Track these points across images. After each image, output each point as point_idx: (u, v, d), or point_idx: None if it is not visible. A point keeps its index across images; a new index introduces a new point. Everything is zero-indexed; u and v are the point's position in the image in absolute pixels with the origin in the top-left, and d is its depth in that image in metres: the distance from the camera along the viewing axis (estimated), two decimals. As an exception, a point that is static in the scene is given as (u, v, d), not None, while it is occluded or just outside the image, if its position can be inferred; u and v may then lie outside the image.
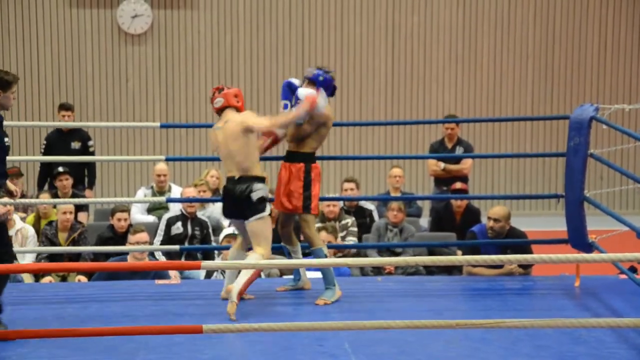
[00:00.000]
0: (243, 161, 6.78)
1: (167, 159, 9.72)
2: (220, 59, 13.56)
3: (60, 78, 13.41)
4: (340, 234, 9.20)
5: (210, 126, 7.20)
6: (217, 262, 8.49)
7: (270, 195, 7.02)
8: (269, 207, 6.81)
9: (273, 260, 6.81)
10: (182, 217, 9.33)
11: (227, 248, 8.01)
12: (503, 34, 13.92)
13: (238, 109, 6.91)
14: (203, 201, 9.72)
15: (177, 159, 13.04)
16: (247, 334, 5.99)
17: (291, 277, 7.62)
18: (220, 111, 6.92)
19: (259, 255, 6.74)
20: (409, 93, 13.90)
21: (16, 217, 9.16)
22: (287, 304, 6.97)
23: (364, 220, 9.77)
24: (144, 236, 8.24)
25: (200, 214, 9.52)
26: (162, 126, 8.26)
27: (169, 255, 8.89)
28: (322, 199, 7.88)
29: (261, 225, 6.77)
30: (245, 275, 6.63)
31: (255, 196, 6.74)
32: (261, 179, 6.80)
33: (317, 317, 6.38)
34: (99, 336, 5.84)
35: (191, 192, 9.71)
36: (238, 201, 6.78)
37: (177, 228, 9.30)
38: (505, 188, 14.04)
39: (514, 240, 8.12)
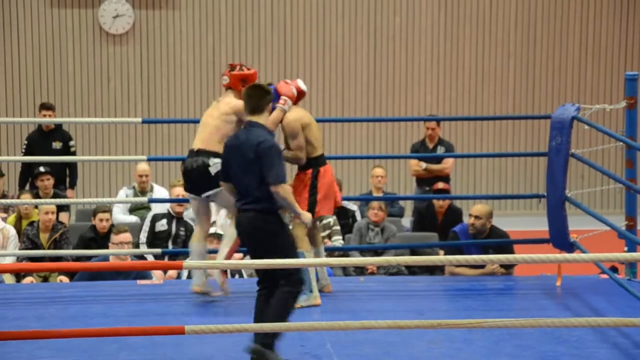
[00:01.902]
0: (208, 137, 6.78)
1: (149, 159, 9.71)
2: (202, 59, 13.54)
3: (42, 78, 13.36)
4: (322, 234, 9.19)
5: (195, 122, 7.22)
6: (200, 261, 8.45)
7: None
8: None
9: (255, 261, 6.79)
10: (168, 216, 9.33)
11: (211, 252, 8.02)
12: (485, 34, 13.96)
13: (236, 93, 6.86)
14: (184, 201, 9.69)
15: (159, 159, 13.01)
16: (229, 334, 5.99)
17: None
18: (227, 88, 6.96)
19: (230, 227, 6.79)
20: (391, 94, 13.91)
21: (-3, 218, 9.14)
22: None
23: (346, 221, 9.76)
24: (127, 236, 8.22)
25: (185, 214, 9.50)
26: (144, 121, 8.25)
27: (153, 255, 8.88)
28: None
29: (225, 197, 6.49)
30: (226, 246, 6.72)
31: (213, 170, 6.71)
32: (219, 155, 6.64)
33: (299, 317, 6.39)
34: (80, 337, 5.82)
35: (180, 192, 9.62)
36: (196, 176, 6.77)
37: (162, 225, 9.29)
38: (487, 188, 14.07)
39: (495, 240, 8.14)
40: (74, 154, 10.86)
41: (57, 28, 13.32)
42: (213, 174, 6.71)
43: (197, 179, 6.80)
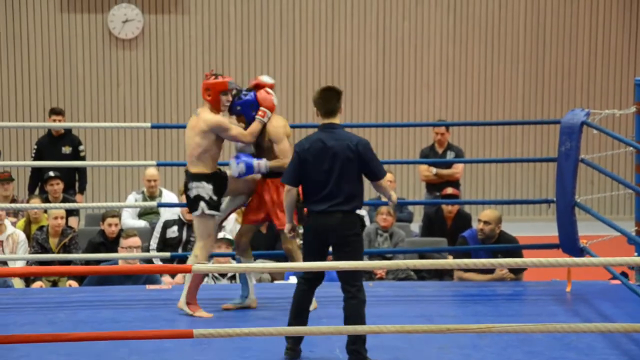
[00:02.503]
0: (190, 156, 6.78)
1: (159, 164, 9.71)
2: (211, 63, 13.55)
3: (51, 83, 13.39)
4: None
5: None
6: (209, 265, 8.45)
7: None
8: (205, 208, 6.72)
9: (264, 264, 6.77)
10: (179, 222, 9.31)
11: (221, 255, 8.02)
12: (494, 39, 13.95)
13: (210, 105, 6.76)
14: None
15: (169, 164, 13.02)
16: (236, 340, 5.98)
17: (283, 281, 7.60)
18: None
19: (193, 256, 6.80)
20: (400, 99, 13.90)
21: (7, 222, 9.14)
22: (276, 308, 6.96)
23: None
24: (136, 240, 8.23)
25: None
26: (153, 126, 8.26)
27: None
28: None
29: (197, 223, 6.80)
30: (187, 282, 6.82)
31: (191, 194, 6.74)
32: (202, 177, 6.72)
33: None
34: (89, 341, 5.82)
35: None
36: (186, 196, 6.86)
37: (173, 232, 9.28)
38: (496, 193, 14.06)
39: (505, 246, 8.13)
40: (83, 158, 10.87)
41: (67, 33, 13.35)
42: (192, 197, 6.74)
43: (187, 199, 6.88)
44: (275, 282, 8.63)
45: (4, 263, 8.64)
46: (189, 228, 9.33)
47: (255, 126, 6.77)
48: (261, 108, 6.79)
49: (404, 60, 13.86)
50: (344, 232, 5.86)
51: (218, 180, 6.77)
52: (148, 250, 9.15)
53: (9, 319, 6.71)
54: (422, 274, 9.05)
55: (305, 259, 6.01)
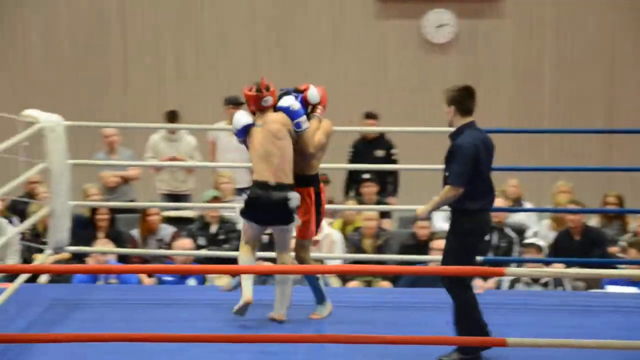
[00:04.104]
0: (279, 164, 6.62)
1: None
2: (524, 67, 13.38)
3: (366, 87, 13.70)
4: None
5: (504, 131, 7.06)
6: (520, 269, 8.38)
7: None
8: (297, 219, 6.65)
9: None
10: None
11: (529, 261, 7.91)
12: None
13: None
14: (508, 210, 9.60)
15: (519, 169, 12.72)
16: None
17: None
18: (261, 110, 6.72)
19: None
20: None
21: (324, 222, 9.45)
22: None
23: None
24: (442, 243, 8.25)
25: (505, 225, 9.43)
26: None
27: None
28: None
29: (286, 235, 6.74)
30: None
31: (292, 204, 6.58)
32: (293, 186, 6.65)
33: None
34: (406, 344, 5.89)
35: (498, 202, 9.53)
36: (275, 207, 6.57)
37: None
38: None
39: None
40: (396, 162, 11.06)
41: (382, 39, 13.62)
42: (293, 208, 6.62)
43: (276, 211, 6.65)
44: (591, 290, 8.41)
45: (321, 261, 8.95)
46: (499, 233, 9.25)
47: (317, 124, 6.86)
48: (321, 105, 6.90)
49: None
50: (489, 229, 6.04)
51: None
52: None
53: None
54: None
55: (464, 264, 5.75)
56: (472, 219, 5.84)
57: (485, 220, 5.92)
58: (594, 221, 9.81)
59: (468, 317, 5.78)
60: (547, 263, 8.65)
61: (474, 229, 5.87)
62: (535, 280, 8.38)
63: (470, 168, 5.82)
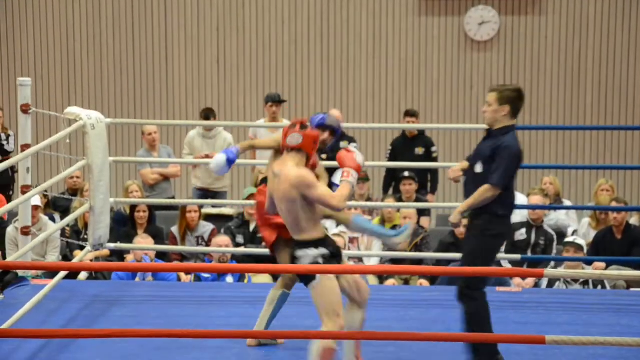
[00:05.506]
0: (291, 223, 5.56)
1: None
2: (567, 65, 13.29)
3: (407, 85, 13.68)
4: None
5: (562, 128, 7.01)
6: (560, 270, 8.31)
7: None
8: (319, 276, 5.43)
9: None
10: (527, 225, 9.22)
11: (568, 259, 7.85)
12: None
13: (308, 157, 5.62)
14: (545, 208, 9.53)
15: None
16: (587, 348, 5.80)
17: None
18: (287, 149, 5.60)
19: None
20: None
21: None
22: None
23: None
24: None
25: (544, 222, 9.36)
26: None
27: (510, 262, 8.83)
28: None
29: (315, 297, 5.45)
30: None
31: (302, 262, 5.51)
32: (309, 243, 5.52)
33: None
34: (439, 341, 5.89)
35: (537, 200, 9.49)
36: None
37: (521, 234, 9.20)
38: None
39: None
40: (435, 159, 11.03)
41: (424, 36, 13.59)
42: None
43: None
44: (632, 289, 8.33)
45: (360, 259, 8.95)
46: (537, 230, 9.21)
47: (347, 190, 5.53)
48: (344, 169, 5.60)
49: None
50: None
51: None
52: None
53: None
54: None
55: (487, 265, 5.66)
56: (503, 223, 5.76)
57: (511, 226, 5.93)
58: (634, 219, 9.73)
59: (477, 326, 5.65)
60: (587, 262, 8.58)
61: (504, 233, 5.81)
62: (575, 279, 8.32)
63: (513, 171, 5.73)
